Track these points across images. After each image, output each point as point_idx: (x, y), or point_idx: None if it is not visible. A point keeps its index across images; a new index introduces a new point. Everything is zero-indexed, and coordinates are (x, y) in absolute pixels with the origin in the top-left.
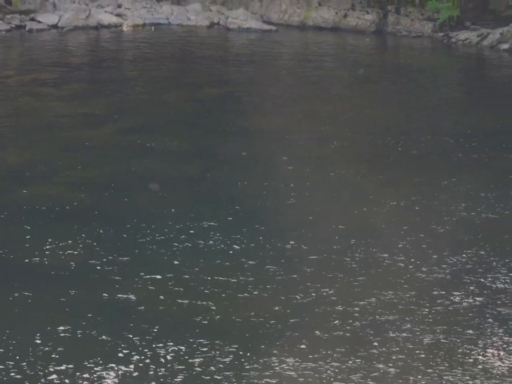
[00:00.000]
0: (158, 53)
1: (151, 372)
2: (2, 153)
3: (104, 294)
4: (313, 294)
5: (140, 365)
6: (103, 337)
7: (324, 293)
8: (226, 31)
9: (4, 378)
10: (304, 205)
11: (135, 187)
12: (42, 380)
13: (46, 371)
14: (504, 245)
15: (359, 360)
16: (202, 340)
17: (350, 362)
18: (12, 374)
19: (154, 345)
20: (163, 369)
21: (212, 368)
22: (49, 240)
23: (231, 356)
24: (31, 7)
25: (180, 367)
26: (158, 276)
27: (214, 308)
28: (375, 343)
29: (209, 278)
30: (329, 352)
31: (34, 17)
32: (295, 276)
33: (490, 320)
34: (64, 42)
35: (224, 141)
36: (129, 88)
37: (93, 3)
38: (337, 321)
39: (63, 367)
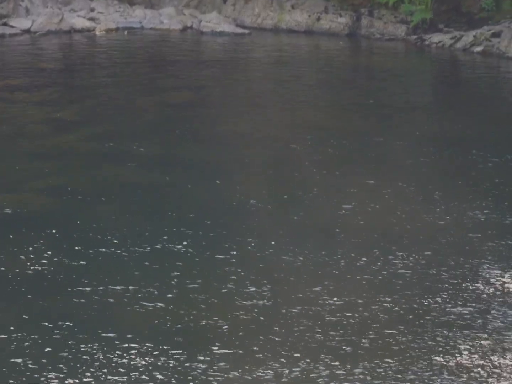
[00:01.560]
0: (131, 57)
1: (109, 380)
2: None
3: (60, 301)
4: (265, 299)
5: (97, 374)
6: (58, 346)
7: (277, 298)
8: (199, 34)
9: None
10: (268, 209)
11: (102, 195)
12: None
13: None
14: (456, 250)
15: (300, 363)
16: (159, 345)
17: (288, 368)
18: None
19: (109, 352)
20: (122, 377)
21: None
22: (8, 246)
23: (179, 361)
24: (3, 11)
25: (136, 373)
26: (117, 283)
27: (171, 312)
28: (322, 346)
29: (165, 284)
30: (274, 356)
31: (7, 22)
32: (250, 282)
33: (443, 321)
34: (37, 47)
35: (194, 147)
36: (101, 93)
37: (66, 7)
38: (287, 326)
39: (16, 379)
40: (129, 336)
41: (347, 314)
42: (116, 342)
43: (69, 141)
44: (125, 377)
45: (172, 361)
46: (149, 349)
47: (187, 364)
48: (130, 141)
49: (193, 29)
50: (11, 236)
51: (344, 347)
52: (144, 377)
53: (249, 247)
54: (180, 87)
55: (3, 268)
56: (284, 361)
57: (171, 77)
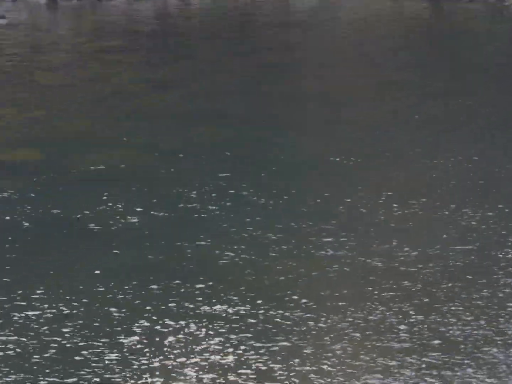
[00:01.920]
0: (223, 20)
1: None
2: (71, 118)
3: (151, 254)
4: (346, 250)
5: (184, 320)
6: (150, 297)
7: (357, 249)
8: None
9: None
10: (351, 167)
11: (194, 153)
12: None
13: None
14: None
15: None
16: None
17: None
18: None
19: (198, 301)
20: (216, 322)
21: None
22: (100, 201)
23: (265, 314)
24: None
25: (222, 321)
26: (211, 239)
27: (255, 265)
28: (398, 296)
29: (248, 237)
30: (351, 304)
31: None
32: (331, 233)
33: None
34: (133, 10)
35: (281, 106)
36: (194, 55)
37: None
38: (365, 276)
39: (109, 325)
40: (218, 287)
41: (423, 265)
42: (206, 291)
43: (163, 100)
44: (212, 323)
45: (256, 312)
46: (235, 300)
47: (266, 316)
48: (224, 100)
49: None
50: (104, 192)
51: (420, 297)
52: (230, 324)
53: (332, 201)
54: (272, 49)
55: (95, 222)
56: (361, 309)
57: (262, 39)
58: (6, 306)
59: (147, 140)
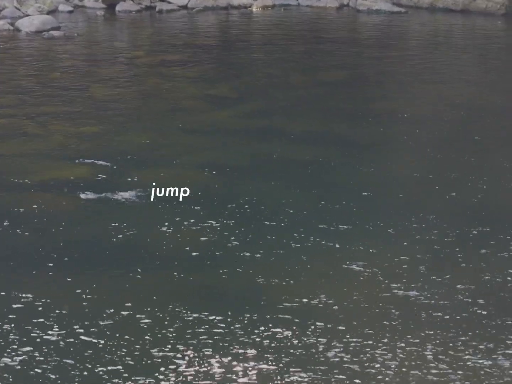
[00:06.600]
0: (286, 34)
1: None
2: (127, 135)
3: (221, 274)
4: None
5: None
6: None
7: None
8: (356, 12)
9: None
10: (429, 188)
11: (255, 170)
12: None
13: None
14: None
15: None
16: None
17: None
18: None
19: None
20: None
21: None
22: (163, 220)
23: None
24: None
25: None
26: (278, 256)
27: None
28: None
29: (328, 258)
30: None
31: None
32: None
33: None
34: (193, 23)
35: (346, 124)
36: (255, 70)
37: None
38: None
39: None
40: (279, 308)
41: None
42: (266, 316)
43: (224, 117)
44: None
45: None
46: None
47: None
48: (284, 118)
49: (350, 7)
50: (166, 209)
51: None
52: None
53: (405, 220)
54: (334, 66)
55: (160, 240)
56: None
57: (326, 55)
58: None
59: (207, 157)
